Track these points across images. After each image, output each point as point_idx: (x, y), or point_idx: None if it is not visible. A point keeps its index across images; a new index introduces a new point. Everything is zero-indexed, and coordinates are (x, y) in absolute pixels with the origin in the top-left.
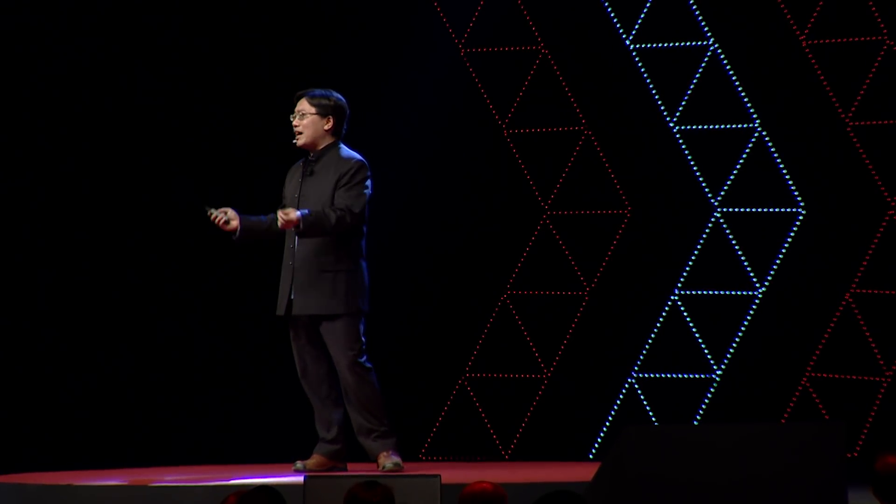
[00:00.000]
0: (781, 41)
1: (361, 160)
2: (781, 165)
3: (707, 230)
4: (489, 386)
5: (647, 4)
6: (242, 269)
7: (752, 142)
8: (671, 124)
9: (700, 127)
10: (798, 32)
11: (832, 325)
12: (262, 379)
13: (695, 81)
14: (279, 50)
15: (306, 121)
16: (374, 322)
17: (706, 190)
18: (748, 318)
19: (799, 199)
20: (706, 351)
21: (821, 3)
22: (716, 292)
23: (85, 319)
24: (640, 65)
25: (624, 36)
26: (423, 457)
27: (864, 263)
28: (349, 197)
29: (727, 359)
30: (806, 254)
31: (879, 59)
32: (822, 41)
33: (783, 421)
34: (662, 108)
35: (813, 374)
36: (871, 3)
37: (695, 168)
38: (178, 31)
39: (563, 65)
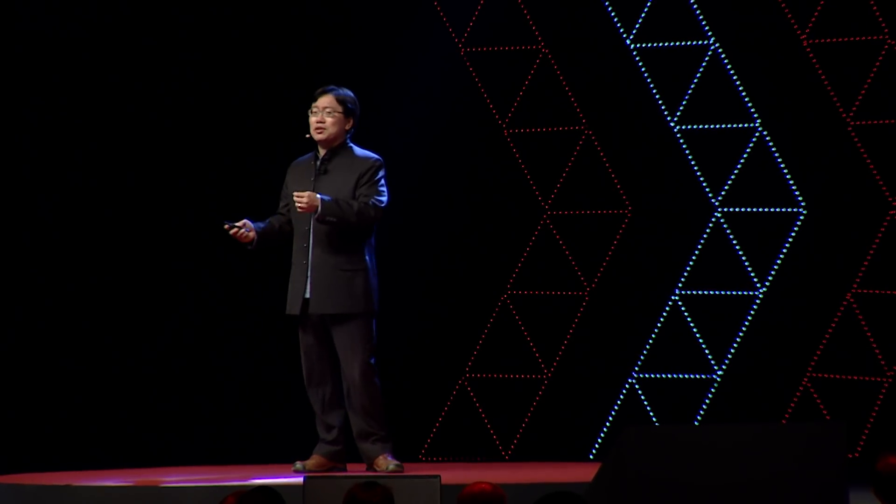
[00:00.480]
0: (782, 40)
1: (380, 158)
2: (782, 165)
3: (708, 230)
4: (489, 386)
5: (648, 4)
6: (243, 269)
7: (753, 141)
8: (672, 124)
9: (701, 126)
10: (799, 32)
11: (833, 325)
12: (262, 380)
13: (695, 81)
14: (279, 50)
15: (332, 118)
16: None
17: (707, 190)
18: (749, 318)
19: (800, 198)
20: (707, 351)
21: (822, 2)
22: (716, 292)
23: (84, 320)
24: (640, 64)
25: (624, 35)
26: (422, 457)
27: (866, 263)
28: (373, 192)
29: (728, 359)
30: (807, 254)
31: (881, 58)
32: (823, 40)
33: (784, 421)
34: (663, 107)
35: (814, 375)
36: (872, 2)
37: (695, 168)
38: (177, 30)
39: (563, 64)
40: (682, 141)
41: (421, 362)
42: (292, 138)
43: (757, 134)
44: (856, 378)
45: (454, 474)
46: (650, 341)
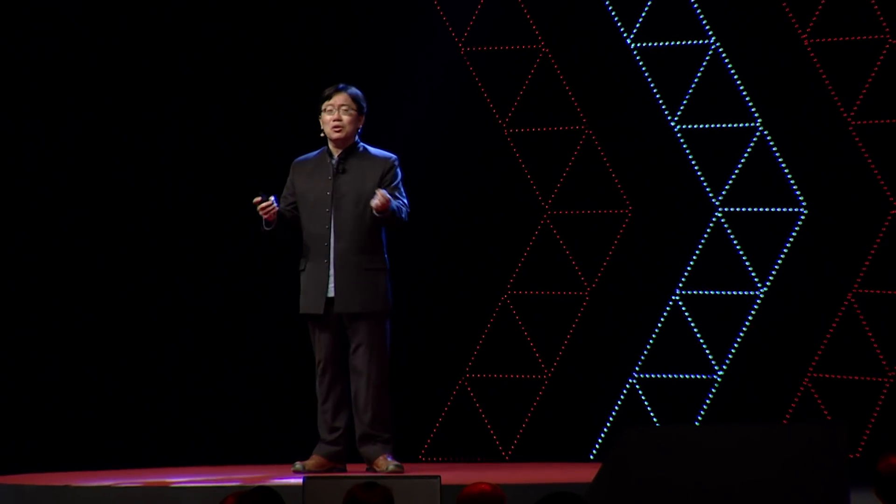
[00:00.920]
0: (783, 40)
1: (396, 157)
2: (783, 165)
3: (708, 230)
4: (489, 386)
5: (648, 3)
6: (243, 270)
7: (754, 141)
8: (672, 123)
9: (701, 126)
10: (800, 31)
11: (834, 325)
12: (262, 380)
13: (696, 80)
14: (279, 49)
15: (349, 117)
16: None
17: (707, 189)
18: (750, 318)
19: (801, 198)
20: (707, 351)
21: (823, 1)
22: (717, 292)
23: (84, 320)
24: (641, 64)
25: (625, 35)
26: (422, 458)
27: (867, 263)
28: (402, 195)
29: (728, 359)
30: (808, 254)
31: (882, 57)
32: (824, 40)
33: (785, 422)
34: (664, 107)
35: (815, 375)
36: (873, 1)
37: (696, 167)
38: (178, 30)
39: (563, 64)
40: (682, 140)
41: (421, 362)
42: (293, 138)
43: (758, 133)
44: (857, 378)
45: (454, 475)
46: (650, 341)
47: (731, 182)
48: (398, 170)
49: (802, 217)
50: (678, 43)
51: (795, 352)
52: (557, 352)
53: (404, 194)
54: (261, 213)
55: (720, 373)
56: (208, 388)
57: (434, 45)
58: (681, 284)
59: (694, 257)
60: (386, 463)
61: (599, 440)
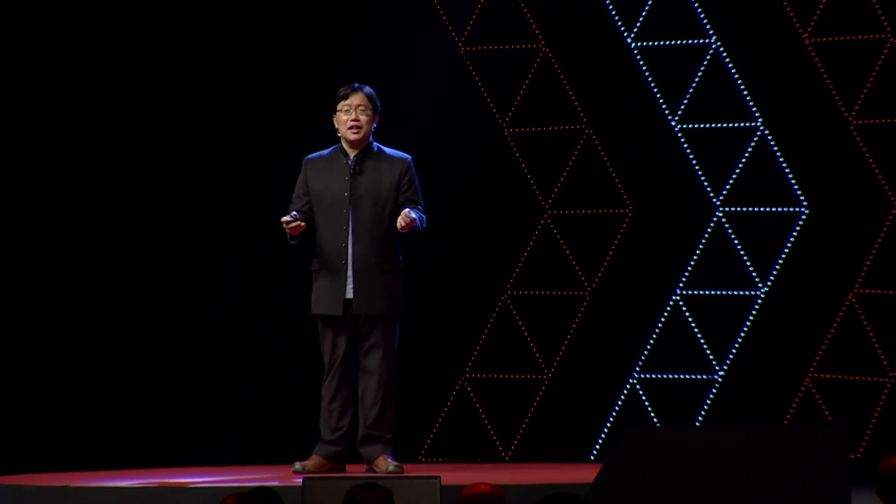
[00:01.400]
0: (784, 39)
1: (411, 157)
2: (784, 164)
3: (709, 229)
4: (489, 387)
5: (649, 2)
6: (243, 270)
7: (755, 140)
8: (673, 123)
9: (702, 125)
10: (801, 30)
11: (835, 325)
12: (261, 380)
13: (697, 80)
14: (278, 49)
15: (366, 116)
16: None
17: (708, 189)
18: (751, 318)
19: (802, 198)
20: (708, 351)
21: (824, 0)
22: (718, 292)
23: (83, 320)
24: (641, 63)
25: (625, 34)
26: (422, 458)
27: (868, 263)
28: (417, 197)
29: (729, 359)
30: (809, 253)
31: (883, 57)
32: (825, 39)
33: (786, 422)
34: (664, 106)
35: (816, 375)
36: (874, 0)
37: (697, 167)
38: (176, 28)
39: (563, 63)
40: (683, 140)
41: (421, 362)
42: (293, 138)
43: (758, 133)
44: (858, 378)
45: (454, 475)
46: (651, 341)
47: (731, 182)
48: (415, 172)
49: (803, 217)
50: (679, 42)
51: (796, 352)
52: (558, 352)
53: (421, 196)
54: (287, 229)
55: (721, 373)
56: (208, 388)
57: (434, 45)
58: (681, 284)
59: (694, 257)
60: (386, 463)
61: (600, 440)
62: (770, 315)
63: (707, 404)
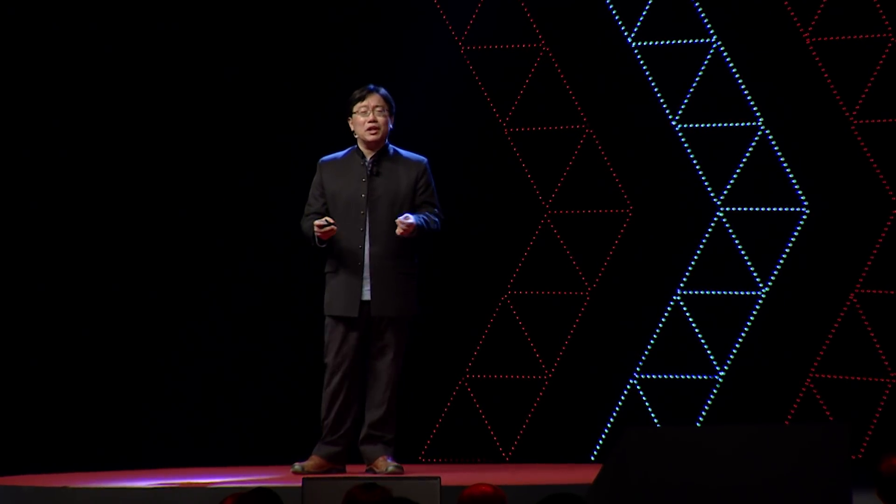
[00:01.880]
0: (785, 38)
1: (427, 159)
2: (785, 164)
3: (710, 229)
4: (489, 387)
5: (649, 2)
6: (244, 270)
7: (756, 140)
8: (673, 122)
9: (703, 125)
10: (802, 30)
11: (836, 325)
12: (261, 381)
13: (697, 79)
14: (278, 49)
15: (383, 117)
16: None
17: (709, 189)
18: (751, 318)
19: (803, 198)
20: (709, 352)
21: (824, 0)
22: (718, 292)
23: (83, 320)
24: (641, 62)
25: (626, 33)
26: (422, 459)
27: (869, 263)
28: (433, 200)
29: (730, 360)
30: (810, 253)
31: (884, 56)
32: (826, 38)
33: (787, 422)
34: (665, 106)
35: (817, 376)
36: (875, 0)
37: (697, 167)
38: (176, 28)
39: (563, 63)
40: (683, 140)
41: (421, 363)
42: (293, 138)
43: (759, 133)
44: (859, 379)
45: (454, 476)
46: (652, 342)
47: (732, 181)
48: (431, 174)
49: (804, 217)
50: (679, 42)
51: (797, 352)
52: (558, 352)
53: (437, 198)
54: (321, 234)
55: (721, 373)
56: (208, 389)
57: (434, 44)
58: (682, 284)
59: (695, 257)
60: (385, 464)
61: (600, 441)
62: (771, 315)
63: (708, 405)
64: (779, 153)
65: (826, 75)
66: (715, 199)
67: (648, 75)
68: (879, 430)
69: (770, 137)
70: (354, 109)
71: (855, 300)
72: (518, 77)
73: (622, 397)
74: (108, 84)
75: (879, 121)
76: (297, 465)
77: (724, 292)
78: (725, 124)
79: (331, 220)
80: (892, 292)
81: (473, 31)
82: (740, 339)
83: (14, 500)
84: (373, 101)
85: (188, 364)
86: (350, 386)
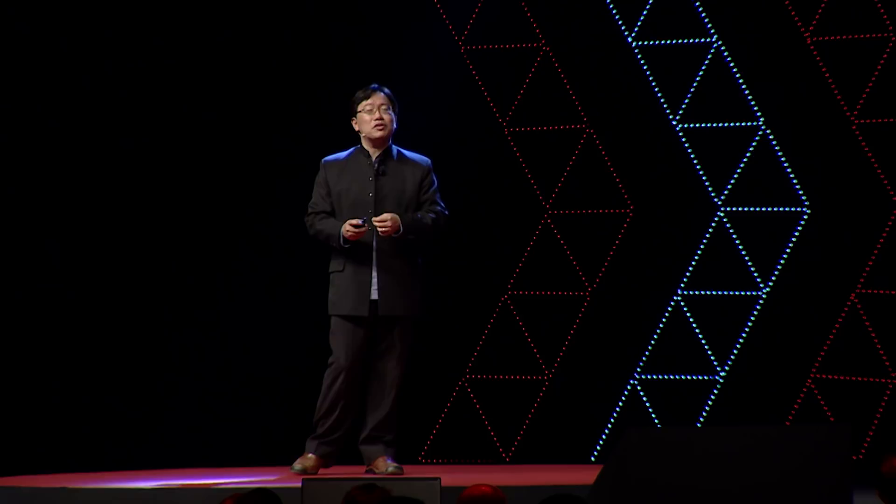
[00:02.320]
0: (786, 38)
1: (431, 161)
2: (786, 164)
3: (710, 230)
4: (489, 387)
5: (650, 1)
6: (244, 271)
7: (756, 140)
8: (674, 122)
9: (703, 125)
10: (803, 29)
11: (837, 326)
12: (261, 381)
13: (698, 79)
14: (278, 49)
15: (389, 116)
16: None
17: (710, 189)
18: (752, 318)
19: (804, 198)
20: (710, 352)
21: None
22: (719, 293)
23: (82, 321)
24: (642, 62)
25: (626, 33)
26: (422, 459)
27: (870, 263)
28: (439, 200)
29: (731, 360)
30: (811, 254)
31: (885, 56)
32: (827, 38)
33: (788, 423)
34: (665, 106)
35: (818, 376)
36: None
37: (698, 167)
38: (179, 28)
39: (564, 62)
40: (684, 140)
41: (421, 363)
42: (293, 138)
43: (760, 133)
44: (860, 379)
45: (454, 476)
46: (652, 342)
47: (733, 182)
48: (434, 175)
49: (805, 217)
50: (680, 41)
51: (798, 353)
52: (558, 353)
53: (440, 198)
54: (352, 233)
55: (722, 374)
56: (207, 389)
57: (434, 44)
58: (683, 285)
59: (696, 257)
60: (385, 465)
61: (601, 442)
62: (772, 316)
63: (708, 405)
64: (780, 153)
65: (827, 75)
66: (716, 200)
67: (649, 75)
68: (880, 431)
69: (771, 137)
70: (359, 108)
71: (856, 300)
72: (518, 77)
73: (622, 398)
74: (110, 84)
75: (880, 121)
76: (297, 465)
77: (725, 293)
78: (726, 124)
79: (359, 223)
80: (894, 292)
81: (473, 31)
82: (741, 340)
83: (13, 500)
84: (378, 99)
85: (188, 364)
86: (355, 387)
